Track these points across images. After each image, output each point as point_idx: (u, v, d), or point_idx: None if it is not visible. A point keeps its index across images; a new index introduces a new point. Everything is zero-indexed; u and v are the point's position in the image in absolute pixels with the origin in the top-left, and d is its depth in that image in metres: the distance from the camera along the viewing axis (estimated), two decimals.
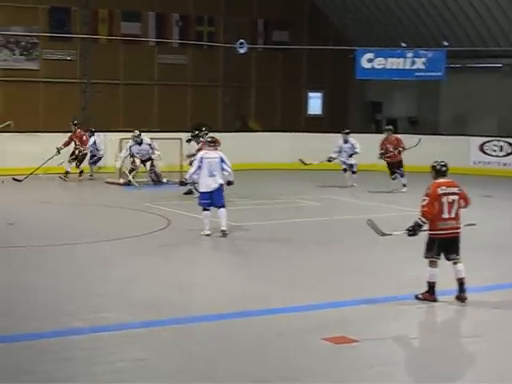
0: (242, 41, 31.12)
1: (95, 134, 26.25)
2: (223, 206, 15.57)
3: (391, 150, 23.46)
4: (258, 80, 36.38)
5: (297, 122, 35.60)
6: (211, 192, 15.41)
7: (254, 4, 35.52)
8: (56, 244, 15.05)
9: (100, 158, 26.13)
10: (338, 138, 24.54)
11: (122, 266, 13.35)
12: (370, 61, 30.50)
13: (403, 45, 30.78)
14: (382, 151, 23.54)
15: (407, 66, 30.22)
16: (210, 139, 16.00)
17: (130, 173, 23.69)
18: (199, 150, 17.70)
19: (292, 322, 10.25)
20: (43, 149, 25.00)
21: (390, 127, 24.99)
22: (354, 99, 37.87)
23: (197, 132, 22.21)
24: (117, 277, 12.56)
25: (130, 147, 23.70)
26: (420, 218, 10.91)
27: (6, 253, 14.31)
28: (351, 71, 32.46)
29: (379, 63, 30.44)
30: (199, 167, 15.41)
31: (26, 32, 31.39)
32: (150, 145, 23.82)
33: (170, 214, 18.43)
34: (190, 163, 23.06)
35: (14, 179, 22.62)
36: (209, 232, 15.48)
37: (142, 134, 23.97)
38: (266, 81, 36.18)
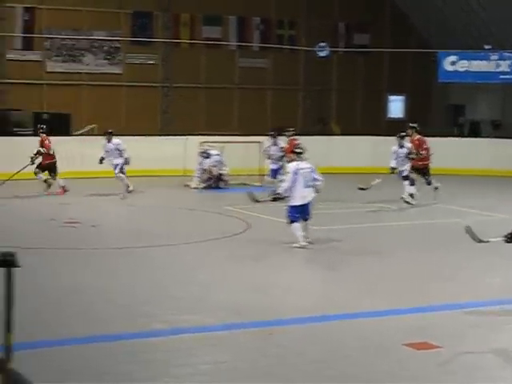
0: (322, 44, 31.04)
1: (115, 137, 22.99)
2: (308, 219, 15.04)
3: (413, 151, 21.15)
4: (338, 83, 36.23)
5: (377, 125, 35.32)
6: (304, 205, 14.79)
7: (335, 7, 35.38)
8: (136, 246, 15.17)
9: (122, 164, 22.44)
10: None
11: (203, 268, 13.38)
12: (452, 63, 30.09)
13: (487, 47, 30.26)
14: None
15: (491, 69, 29.71)
16: (298, 150, 15.43)
17: (208, 178, 24.01)
18: (286, 149, 16.96)
19: (373, 326, 10.13)
20: (140, 154, 25.30)
21: (414, 125, 22.01)
22: (435, 102, 37.42)
23: (274, 132, 22.30)
24: (197, 279, 12.58)
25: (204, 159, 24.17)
26: None
27: (87, 255, 14.47)
28: (433, 74, 32.08)
29: (462, 66, 30.01)
30: (294, 180, 14.71)
31: (109, 36, 31.85)
32: (218, 154, 24.19)
33: (250, 217, 18.42)
34: (269, 157, 23.18)
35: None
36: (304, 243, 14.80)
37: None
38: (347, 84, 36.01)
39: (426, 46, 33.73)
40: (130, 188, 21.90)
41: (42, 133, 22.27)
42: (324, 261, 14.43)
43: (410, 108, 37.54)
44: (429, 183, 21.24)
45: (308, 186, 14.77)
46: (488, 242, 11.04)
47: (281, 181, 15.17)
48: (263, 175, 23.22)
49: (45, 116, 28.38)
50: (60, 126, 27.09)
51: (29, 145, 23.60)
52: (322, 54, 31.13)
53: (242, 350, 9.31)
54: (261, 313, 10.79)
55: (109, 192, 22.34)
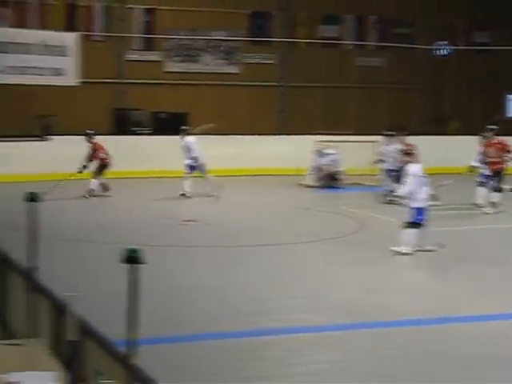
0: (441, 43, 30.57)
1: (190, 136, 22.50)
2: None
3: (492, 155, 20.02)
4: (455, 82, 35.60)
5: (495, 124, 34.49)
6: (425, 207, 14.53)
7: (453, 5, 34.76)
8: (251, 245, 15.30)
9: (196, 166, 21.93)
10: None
11: (317, 268, 13.39)
12: None
13: None
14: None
15: None
16: (412, 151, 15.12)
17: (322, 177, 24.03)
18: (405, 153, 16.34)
19: (495, 328, 9.97)
20: (241, 151, 25.54)
21: (493, 127, 20.83)
22: None
23: (391, 132, 22.11)
24: (311, 279, 12.61)
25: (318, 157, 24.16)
26: None
27: (203, 253, 14.66)
28: None
29: None
30: (416, 182, 14.44)
31: (228, 36, 32.17)
32: (334, 154, 24.09)
33: (364, 217, 18.33)
34: (378, 161, 22.96)
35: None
36: (412, 251, 14.39)
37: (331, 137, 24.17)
38: (464, 83, 35.34)
39: None
40: (187, 191, 21.38)
41: (91, 137, 21.65)
42: (434, 263, 14.23)
43: None
44: (497, 189, 19.79)
45: (425, 188, 14.61)
46: None
47: (396, 182, 14.74)
48: (377, 175, 23.05)
49: (163, 115, 28.88)
50: (177, 125, 27.48)
51: (147, 144, 24.15)
52: (441, 52, 30.64)
53: (355, 351, 9.29)
54: (374, 313, 10.74)
55: (225, 190, 22.60)
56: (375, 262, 13.91)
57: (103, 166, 21.39)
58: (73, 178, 20.53)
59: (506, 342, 9.49)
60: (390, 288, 12.18)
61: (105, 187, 21.25)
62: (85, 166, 21.09)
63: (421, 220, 14.38)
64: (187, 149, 21.77)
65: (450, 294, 11.77)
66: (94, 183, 21.14)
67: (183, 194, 21.23)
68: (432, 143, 26.67)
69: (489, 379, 8.29)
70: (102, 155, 21.37)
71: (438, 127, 34.31)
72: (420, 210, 14.40)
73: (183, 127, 22.59)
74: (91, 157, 21.26)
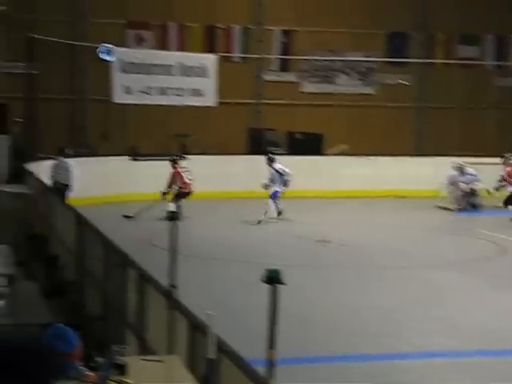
0: None
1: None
2: None
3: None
4: None
5: None
6: None
7: None
8: (386, 267, 15.13)
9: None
10: None
11: (454, 291, 13.10)
12: None
13: None
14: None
15: None
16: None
17: (461, 198, 23.50)
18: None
19: None
20: (375, 172, 25.34)
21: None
22: None
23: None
24: (449, 303, 12.35)
25: (455, 177, 23.64)
26: None
27: (339, 273, 14.59)
28: None
29: None
30: None
31: (364, 57, 32.07)
32: (474, 175, 23.52)
33: (505, 241, 17.85)
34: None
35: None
36: None
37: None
38: None
39: None
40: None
41: (176, 163, 21.11)
42: None
43: None
44: None
45: None
46: None
47: None
48: None
49: (298, 136, 28.98)
50: (312, 145, 27.57)
51: (282, 164, 24.23)
52: None
53: (496, 380, 9.01)
54: None
55: (360, 210, 22.50)
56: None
57: (181, 194, 20.59)
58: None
59: None
60: None
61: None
62: (164, 193, 20.39)
63: None
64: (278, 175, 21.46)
65: None
66: (171, 206, 20.05)
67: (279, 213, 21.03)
68: None
69: None
70: (180, 183, 20.70)
71: None
72: None
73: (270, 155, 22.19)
74: (170, 183, 20.68)
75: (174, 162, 21.07)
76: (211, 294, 12.11)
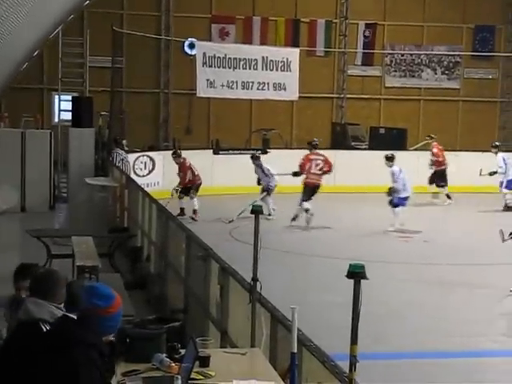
0: None
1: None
2: None
3: None
4: None
5: None
6: None
7: None
8: (470, 263, 14.94)
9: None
10: None
11: None
12: None
13: None
14: None
15: None
16: None
17: None
18: None
19: None
20: (460, 168, 24.95)
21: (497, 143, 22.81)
22: None
23: None
24: None
25: None
26: None
27: (421, 269, 14.46)
28: None
29: None
30: None
31: (449, 51, 31.65)
32: None
33: None
34: None
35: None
36: None
37: None
38: None
39: None
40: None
41: (179, 156, 20.31)
42: None
43: None
44: None
45: None
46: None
47: None
48: None
49: (381, 130, 28.77)
50: (396, 140, 27.29)
51: (364, 158, 24.10)
52: None
53: None
54: None
55: (443, 207, 22.27)
56: None
57: (189, 188, 19.87)
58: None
59: None
60: None
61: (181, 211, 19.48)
62: (177, 190, 19.80)
63: None
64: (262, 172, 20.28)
65: None
66: (194, 202, 19.68)
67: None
68: None
69: None
70: (188, 176, 19.94)
71: None
72: None
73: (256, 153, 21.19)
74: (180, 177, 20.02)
75: (176, 156, 20.28)
76: (293, 288, 12.13)
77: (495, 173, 22.22)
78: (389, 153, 19.79)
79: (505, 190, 22.50)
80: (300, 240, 17.20)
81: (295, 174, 19.29)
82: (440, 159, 23.31)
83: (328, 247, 16.30)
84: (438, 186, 23.17)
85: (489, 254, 15.74)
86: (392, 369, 9.01)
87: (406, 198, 18.77)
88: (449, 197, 22.92)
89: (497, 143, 23.22)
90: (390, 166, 19.17)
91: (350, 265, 4.19)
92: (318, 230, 18.49)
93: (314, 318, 10.14)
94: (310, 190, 18.92)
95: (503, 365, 9.28)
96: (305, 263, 14.74)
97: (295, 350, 4.68)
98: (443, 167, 23.17)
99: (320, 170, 19.15)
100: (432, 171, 23.19)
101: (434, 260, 15.22)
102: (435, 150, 23.50)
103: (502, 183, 22.36)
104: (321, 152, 20.00)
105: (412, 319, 10.98)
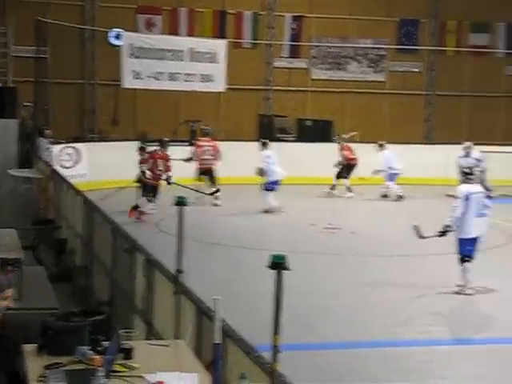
0: None
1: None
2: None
3: None
4: None
5: None
6: (475, 238, 12.34)
7: None
8: (394, 255, 15.13)
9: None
10: None
11: (454, 278, 13.08)
12: None
13: None
14: None
15: None
16: (467, 170, 12.94)
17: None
18: None
19: None
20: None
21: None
22: None
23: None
24: (451, 290, 12.30)
25: (459, 158, 23.39)
26: None
27: (349, 261, 14.60)
28: None
29: None
30: (466, 207, 12.24)
31: (375, 44, 31.99)
32: (478, 159, 23.19)
33: None
34: None
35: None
36: (470, 292, 12.16)
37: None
38: None
39: None
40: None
41: (143, 150, 19.77)
42: None
43: None
44: None
45: (481, 215, 12.38)
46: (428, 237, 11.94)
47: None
48: None
49: (308, 123, 28.94)
50: (323, 132, 27.52)
51: (291, 151, 24.20)
52: None
53: (501, 367, 9.03)
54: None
55: (369, 198, 22.50)
56: None
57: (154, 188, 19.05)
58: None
59: None
60: None
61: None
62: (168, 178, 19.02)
63: (470, 251, 12.43)
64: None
65: None
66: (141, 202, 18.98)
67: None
68: None
69: None
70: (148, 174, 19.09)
71: None
72: (468, 241, 12.46)
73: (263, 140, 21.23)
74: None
75: (141, 150, 19.67)
76: (218, 280, 12.14)
77: (381, 171, 22.85)
78: (263, 139, 21.23)
79: (388, 183, 22.93)
80: (228, 232, 17.21)
81: (187, 160, 20.98)
82: (350, 157, 23.51)
83: (255, 239, 16.34)
84: (340, 176, 23.29)
85: (413, 246, 15.98)
86: (318, 359, 9.08)
87: (275, 183, 19.90)
88: (349, 190, 23.16)
89: (382, 142, 23.53)
90: (263, 150, 20.45)
91: (272, 256, 4.21)
92: (246, 221, 18.55)
93: (241, 310, 10.19)
94: (203, 173, 21.03)
95: (426, 354, 9.42)
96: (232, 255, 14.75)
97: (218, 341, 4.68)
98: (354, 163, 23.39)
99: (211, 155, 21.11)
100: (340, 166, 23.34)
101: (360, 251, 15.38)
102: (344, 152, 23.58)
103: (385, 176, 22.95)
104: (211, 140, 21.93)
105: (338, 310, 11.08)
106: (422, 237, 12.61)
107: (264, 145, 20.80)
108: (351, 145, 23.97)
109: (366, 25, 31.45)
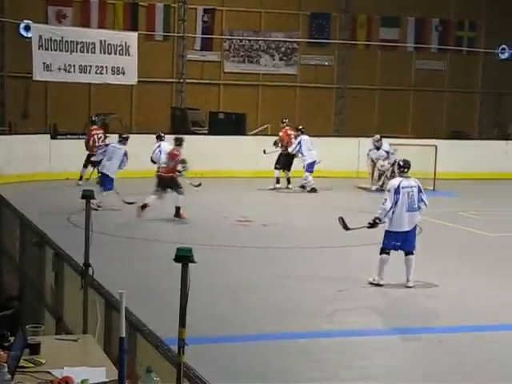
0: (503, 46, 30.27)
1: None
2: (412, 253, 12.37)
3: None
4: None
5: None
6: (406, 232, 12.32)
7: None
8: (308, 246, 15.26)
9: None
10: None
11: (370, 271, 13.29)
12: None
13: None
14: None
15: None
16: (403, 163, 12.67)
17: (379, 178, 23.62)
18: None
19: None
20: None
21: None
22: None
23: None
24: (365, 282, 12.49)
25: (369, 151, 23.72)
26: None
27: (261, 253, 14.66)
28: None
29: None
30: (396, 200, 12.19)
31: (287, 37, 32.20)
32: (387, 152, 23.54)
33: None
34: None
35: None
36: (382, 282, 12.25)
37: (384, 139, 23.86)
38: None
39: None
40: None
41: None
42: (499, 269, 14.01)
43: None
44: None
45: (412, 210, 12.31)
46: (354, 229, 12.37)
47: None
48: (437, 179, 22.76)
49: (220, 115, 29.00)
50: (235, 125, 27.59)
51: (204, 143, 24.19)
52: (502, 56, 30.34)
53: (409, 356, 9.22)
54: (432, 319, 10.65)
55: (281, 191, 22.65)
56: (431, 265, 13.72)
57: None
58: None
59: None
60: (448, 293, 12.04)
61: None
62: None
63: (392, 246, 12.38)
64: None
65: (505, 301, 11.56)
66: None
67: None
68: (493, 148, 26.52)
69: None
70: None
71: (498, 132, 33.98)
72: (395, 235, 12.39)
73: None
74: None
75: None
76: (131, 274, 12.09)
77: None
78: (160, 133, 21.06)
79: (306, 173, 23.14)
80: (140, 225, 17.10)
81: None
82: (284, 143, 23.53)
83: (166, 233, 16.30)
84: (277, 168, 23.41)
85: (325, 236, 16.17)
86: (231, 352, 9.11)
87: None
88: (289, 181, 23.32)
89: (300, 127, 23.59)
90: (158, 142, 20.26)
91: (178, 249, 4.22)
92: (158, 215, 18.47)
93: (154, 303, 10.17)
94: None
95: (341, 345, 9.53)
96: (145, 249, 14.68)
97: (123, 335, 4.67)
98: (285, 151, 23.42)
99: (102, 141, 21.09)
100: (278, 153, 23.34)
101: (273, 243, 15.46)
102: (281, 134, 23.69)
103: (303, 166, 22.97)
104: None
105: (251, 302, 11.13)
106: (347, 228, 12.66)
107: (159, 137, 20.60)
108: (291, 132, 23.66)
109: (277, 18, 31.65)
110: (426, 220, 18.02)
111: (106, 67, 25.44)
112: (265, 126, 29.29)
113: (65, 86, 26.80)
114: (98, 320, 6.32)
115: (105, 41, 25.52)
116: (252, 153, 24.32)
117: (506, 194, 23.09)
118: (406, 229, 12.25)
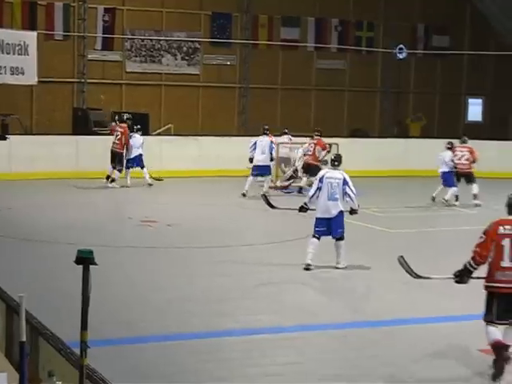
0: (401, 46, 30.84)
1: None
2: (342, 239, 13.33)
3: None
4: (416, 86, 35.91)
5: (455, 128, 34.85)
6: (329, 219, 13.25)
7: (415, 9, 35.05)
8: (213, 246, 15.26)
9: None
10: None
11: (276, 269, 13.39)
12: None
13: None
14: None
15: None
16: (333, 157, 13.76)
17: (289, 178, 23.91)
18: None
19: (448, 331, 10.03)
20: (201, 152, 25.47)
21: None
22: None
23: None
24: (273, 280, 12.59)
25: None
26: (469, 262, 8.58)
27: (165, 253, 14.61)
28: None
29: None
30: (319, 188, 13.28)
31: (188, 37, 32.14)
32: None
33: None
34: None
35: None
36: (310, 263, 13.08)
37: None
38: (425, 86, 35.65)
39: (506, 49, 33.16)
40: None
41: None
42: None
43: (489, 111, 36.99)
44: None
45: (333, 199, 13.20)
46: (429, 278, 9.48)
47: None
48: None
49: (124, 115, 28.73)
50: (139, 125, 27.38)
51: (108, 144, 23.95)
52: (400, 56, 30.93)
53: (315, 352, 9.30)
54: (333, 315, 10.78)
55: (185, 191, 22.60)
56: (333, 263, 13.89)
57: None
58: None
59: (456, 341, 9.56)
60: (352, 290, 12.22)
61: None
62: None
63: (321, 231, 13.32)
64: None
65: (416, 294, 11.72)
66: None
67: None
68: (392, 146, 26.99)
69: (445, 379, 8.37)
70: None
71: (399, 130, 34.65)
72: (321, 221, 13.35)
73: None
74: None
75: None
76: (34, 277, 11.88)
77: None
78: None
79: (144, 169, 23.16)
80: (41, 227, 16.82)
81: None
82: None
83: (70, 234, 16.07)
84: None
85: (236, 235, 16.23)
86: (135, 353, 9.04)
87: None
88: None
89: (137, 127, 23.62)
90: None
91: (79, 250, 4.17)
92: (59, 216, 18.22)
93: (58, 307, 10.02)
94: None
95: (245, 343, 9.56)
96: (48, 251, 14.44)
97: (24, 339, 4.60)
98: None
99: None
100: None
101: (178, 243, 15.41)
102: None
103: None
104: None
105: (156, 302, 11.07)
106: (272, 206, 14.68)
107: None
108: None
109: (179, 18, 31.59)
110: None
111: (5, 67, 24.90)
112: (168, 126, 29.19)
113: None
114: None
115: (2, 40, 24.97)
116: (156, 152, 24.23)
117: (406, 190, 23.59)
118: (328, 216, 13.26)
